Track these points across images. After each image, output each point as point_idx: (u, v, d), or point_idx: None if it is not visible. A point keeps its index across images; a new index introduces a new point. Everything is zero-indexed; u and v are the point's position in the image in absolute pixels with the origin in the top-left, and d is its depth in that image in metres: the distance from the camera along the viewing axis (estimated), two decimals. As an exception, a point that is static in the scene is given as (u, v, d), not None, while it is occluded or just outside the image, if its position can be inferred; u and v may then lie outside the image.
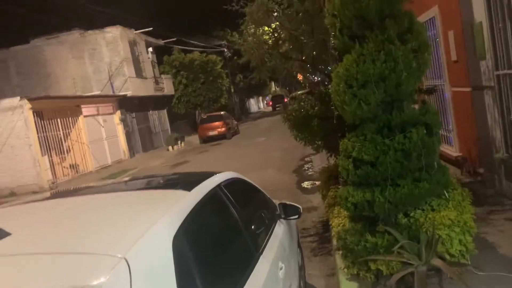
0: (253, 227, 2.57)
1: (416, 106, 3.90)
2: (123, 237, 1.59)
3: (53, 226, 1.89)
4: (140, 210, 1.98)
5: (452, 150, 7.29)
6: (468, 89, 6.28)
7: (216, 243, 2.12)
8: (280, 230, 3.16)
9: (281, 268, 2.68)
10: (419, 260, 3.32)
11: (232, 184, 2.69)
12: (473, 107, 6.19)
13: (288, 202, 3.36)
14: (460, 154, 6.92)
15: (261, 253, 2.48)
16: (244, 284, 2.00)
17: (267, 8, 5.46)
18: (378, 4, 3.52)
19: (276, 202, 3.42)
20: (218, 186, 2.45)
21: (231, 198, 2.49)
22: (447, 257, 3.46)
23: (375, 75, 3.53)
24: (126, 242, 1.52)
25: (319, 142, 5.82)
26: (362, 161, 3.66)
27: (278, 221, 3.27)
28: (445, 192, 3.78)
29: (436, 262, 3.29)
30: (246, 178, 3.20)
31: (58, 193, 3.13)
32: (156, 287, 1.45)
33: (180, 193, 2.14)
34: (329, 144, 5.67)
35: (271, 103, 50.82)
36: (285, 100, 32.33)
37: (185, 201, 2.00)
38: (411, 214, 3.73)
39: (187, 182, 2.54)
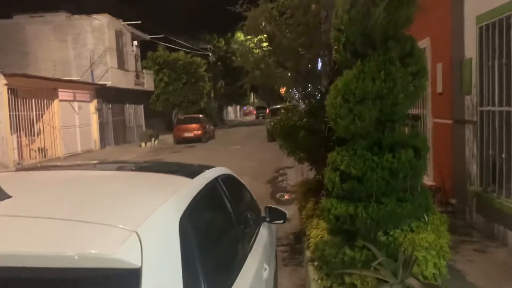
0: (243, 224, 2.57)
1: (406, 129, 4.00)
2: (133, 212, 1.56)
3: (61, 195, 1.84)
4: (148, 190, 1.96)
5: (426, 178, 7.48)
6: (449, 122, 6.49)
7: (214, 233, 2.11)
8: (264, 232, 3.17)
9: (265, 269, 2.68)
10: (395, 278, 3.37)
11: (227, 180, 2.69)
12: (453, 139, 6.40)
13: (274, 206, 3.37)
14: (434, 183, 7.11)
15: (250, 251, 2.48)
16: (237, 275, 2.00)
17: (269, 15, 5.51)
18: (384, 25, 3.61)
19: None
20: (216, 179, 2.44)
21: (226, 193, 2.48)
22: (421, 278, 3.53)
23: (373, 93, 3.61)
24: (137, 217, 1.49)
25: (303, 154, 5.87)
26: (349, 175, 3.71)
27: (262, 224, 3.27)
28: (425, 215, 3.87)
29: (411, 281, 3.35)
30: (238, 177, 3.20)
31: (61, 165, 3.05)
32: (163, 264, 1.43)
33: (183, 179, 2.12)
34: (313, 157, 5.72)
35: (255, 111, 56.20)
36: (267, 111, 32.97)
37: (190, 187, 1.98)
38: (391, 233, 3.80)
39: (188, 170, 2.53)
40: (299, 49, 5.64)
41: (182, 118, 26.15)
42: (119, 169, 2.71)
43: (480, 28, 5.36)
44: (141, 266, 1.30)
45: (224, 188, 2.47)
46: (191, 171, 2.37)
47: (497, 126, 5.05)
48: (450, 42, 6.33)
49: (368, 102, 3.63)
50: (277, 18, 5.54)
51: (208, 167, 2.59)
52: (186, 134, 24.49)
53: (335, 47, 3.99)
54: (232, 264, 2.09)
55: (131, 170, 2.74)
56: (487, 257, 4.69)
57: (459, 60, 6.00)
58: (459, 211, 6.09)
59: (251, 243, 2.63)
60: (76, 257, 1.28)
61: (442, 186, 6.78)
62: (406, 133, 3.90)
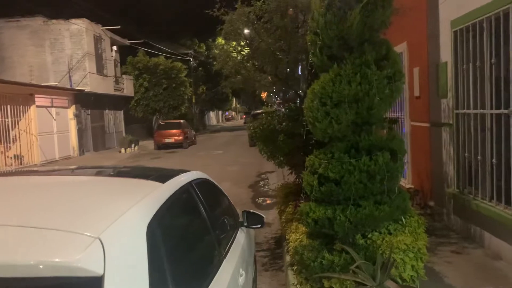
0: (218, 229, 2.52)
1: (384, 132, 4.02)
2: (98, 218, 1.50)
3: (24, 201, 1.76)
4: (115, 195, 1.89)
5: (405, 181, 7.56)
6: (427, 125, 6.57)
7: (186, 238, 2.06)
8: (241, 237, 3.12)
9: (241, 275, 2.63)
10: (374, 281, 3.36)
11: (202, 184, 2.64)
12: (430, 142, 6.47)
13: (251, 211, 3.33)
14: (413, 186, 7.18)
15: (225, 256, 2.43)
16: (210, 281, 1.95)
17: (247, 19, 5.50)
18: (360, 29, 3.62)
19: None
20: (190, 183, 2.39)
21: (201, 197, 2.43)
22: (399, 281, 3.53)
23: (349, 96, 3.61)
24: (101, 223, 1.43)
25: (282, 158, 5.85)
26: (327, 178, 3.70)
27: (240, 228, 3.22)
28: (403, 217, 3.88)
29: (390, 284, 3.34)
30: (214, 181, 3.15)
31: (28, 171, 2.94)
32: (129, 270, 1.38)
33: (154, 184, 2.06)
34: (292, 161, 5.71)
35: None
36: (247, 115, 33.34)
37: (159, 192, 1.92)
38: (369, 236, 3.80)
39: (160, 175, 2.46)
40: (278, 53, 5.63)
41: (163, 123, 25.93)
42: (89, 174, 2.62)
43: (455, 32, 5.44)
44: (104, 274, 1.25)
45: (198, 192, 2.42)
46: (163, 176, 2.31)
47: (473, 128, 5.13)
48: (426, 46, 6.41)
49: (345, 105, 3.64)
50: (255, 22, 5.53)
51: (182, 171, 2.53)
52: (167, 140, 24.28)
53: (312, 51, 3.98)
54: (205, 270, 2.04)
55: (101, 175, 2.66)
56: (464, 258, 4.74)
57: (435, 64, 6.09)
58: (437, 213, 6.15)
59: (227, 248, 2.58)
60: (36, 265, 1.22)
61: (421, 189, 6.85)
62: (383, 136, 3.91)
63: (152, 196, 1.82)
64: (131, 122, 30.27)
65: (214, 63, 6.72)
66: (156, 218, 1.65)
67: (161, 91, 31.28)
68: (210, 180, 3.02)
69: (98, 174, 2.67)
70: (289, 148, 5.56)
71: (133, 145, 24.05)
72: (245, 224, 3.21)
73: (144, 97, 31.09)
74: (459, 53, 5.39)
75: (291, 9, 5.26)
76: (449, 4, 5.62)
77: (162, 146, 24.33)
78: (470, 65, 5.13)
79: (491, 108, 4.67)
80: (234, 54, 6.39)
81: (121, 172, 2.87)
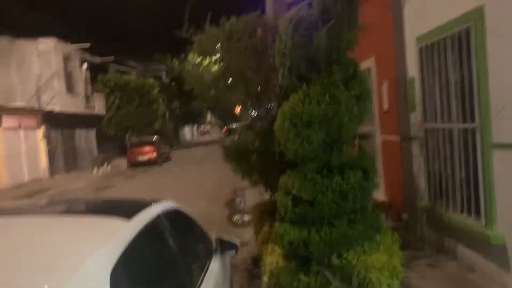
0: (191, 262, 2.45)
1: (355, 150, 4.04)
2: (57, 271, 1.42)
3: None
4: (76, 241, 1.78)
5: (378, 194, 7.62)
6: (397, 138, 6.67)
7: (155, 278, 1.97)
8: (215, 266, 3.05)
9: (215, 307, 2.56)
10: (350, 302, 3.34)
11: (172, 215, 2.56)
12: (401, 155, 6.56)
13: (225, 238, 3.27)
14: (386, 199, 7.25)
15: (200, 286, 2.36)
16: None
17: (217, 39, 5.48)
18: (326, 50, 3.66)
19: (214, 236, 3.32)
20: (159, 216, 2.31)
21: (170, 230, 2.36)
22: (375, 300, 3.52)
23: (319, 116, 3.63)
24: (60, 276, 1.35)
25: (257, 177, 5.81)
26: (300, 199, 3.69)
27: (214, 256, 3.16)
28: (377, 235, 3.89)
29: (366, 304, 3.33)
30: (185, 209, 3.08)
31: None
32: None
33: (118, 222, 1.98)
34: (267, 180, 5.68)
35: (224, 129, 62.03)
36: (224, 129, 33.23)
37: (124, 231, 1.84)
38: (344, 256, 3.78)
39: (126, 209, 2.37)
40: (248, 72, 5.62)
41: (136, 141, 25.60)
42: (48, 213, 2.49)
43: (421, 49, 5.57)
44: None
45: (168, 225, 2.35)
46: (129, 211, 2.22)
47: (441, 142, 5.23)
48: (394, 62, 6.54)
49: (315, 125, 3.65)
50: (224, 42, 5.52)
51: (150, 203, 2.45)
52: (140, 158, 23.95)
53: (281, 72, 3.99)
54: None
55: (63, 214, 2.54)
56: (439, 271, 4.79)
57: (403, 78, 6.21)
58: (411, 226, 6.22)
59: (200, 280, 2.51)
60: None
61: (394, 202, 6.92)
62: (354, 154, 3.94)
63: (116, 238, 1.74)
64: (104, 140, 29.71)
65: (187, 78, 6.66)
66: (120, 262, 1.58)
67: (133, 108, 30.93)
68: (181, 209, 2.94)
69: (58, 213, 2.54)
70: (263, 167, 5.53)
71: (105, 165, 23.59)
72: (219, 251, 3.15)
73: (116, 115, 30.66)
74: (426, 68, 5.51)
75: (259, 29, 5.27)
76: (414, 22, 5.77)
77: (135, 164, 23.96)
78: (437, 80, 5.25)
79: (458, 122, 4.78)
80: (205, 73, 6.36)
81: (84, 209, 2.75)
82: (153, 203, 2.48)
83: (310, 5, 3.68)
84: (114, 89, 30.74)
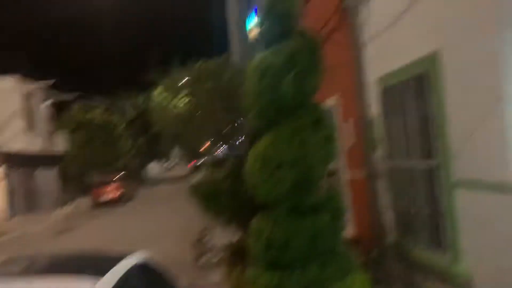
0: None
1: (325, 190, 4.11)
2: None
3: None
4: None
5: (348, 231, 7.68)
6: (363, 175, 6.81)
7: None
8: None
9: None
10: None
11: (143, 269, 2.49)
12: (368, 192, 6.69)
13: None
14: (356, 235, 7.31)
15: None
16: None
17: (184, 83, 5.55)
18: (294, 94, 3.77)
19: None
20: (130, 271, 2.24)
21: (141, 284, 2.29)
22: None
23: (289, 159, 3.69)
24: None
25: (227, 218, 5.76)
26: (272, 243, 3.68)
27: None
28: (349, 275, 3.90)
29: None
30: (155, 262, 2.99)
31: None
32: None
33: (90, 282, 1.90)
34: (238, 221, 5.63)
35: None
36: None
37: None
38: (317, 299, 3.76)
39: (97, 265, 2.29)
40: (218, 112, 5.69)
41: (100, 179, 24.95)
42: (8, 276, 2.33)
43: (382, 89, 5.81)
44: None
45: (139, 280, 2.28)
46: (99, 266, 2.14)
47: (405, 179, 5.38)
48: (357, 100, 6.75)
49: (286, 167, 3.71)
50: (193, 83, 5.60)
51: (122, 257, 2.38)
52: (104, 197, 23.32)
53: (250, 116, 4.07)
54: None
55: (25, 275, 2.38)
56: (409, 308, 4.82)
57: (366, 117, 6.41)
58: (380, 263, 6.26)
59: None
60: None
61: (363, 238, 6.97)
62: (324, 194, 4.00)
63: None
64: (66, 179, 28.76)
65: (153, 114, 6.64)
66: None
67: (98, 146, 30.28)
68: (151, 263, 2.86)
69: (19, 275, 2.39)
70: (234, 207, 5.50)
71: (68, 205, 22.77)
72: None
73: (80, 153, 29.87)
74: (387, 108, 5.73)
75: (228, 71, 5.39)
76: (376, 63, 6.02)
77: (99, 204, 23.24)
78: (399, 119, 5.46)
79: (420, 160, 4.95)
80: (172, 111, 6.37)
81: (49, 268, 2.60)
82: (123, 257, 2.39)
83: (277, 51, 3.80)
84: (78, 126, 30.10)
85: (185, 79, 5.92)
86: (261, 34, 4.04)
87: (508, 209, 3.61)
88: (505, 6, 3.53)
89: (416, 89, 4.97)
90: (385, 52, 5.71)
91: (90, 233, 14.76)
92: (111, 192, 23.47)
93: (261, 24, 4.04)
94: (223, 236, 10.21)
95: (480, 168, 3.95)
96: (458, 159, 4.28)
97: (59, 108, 29.01)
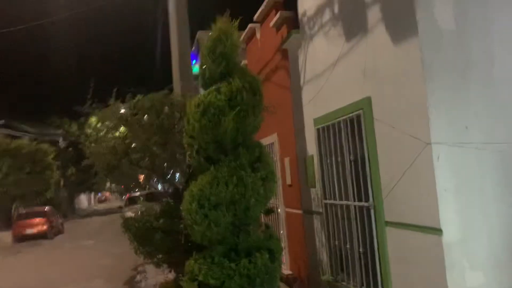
0: None
1: (261, 229, 4.10)
2: None
3: None
4: None
5: (283, 268, 7.69)
6: (300, 212, 6.91)
7: None
8: None
9: None
10: None
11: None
12: (304, 229, 6.78)
13: None
14: (291, 272, 7.32)
15: None
16: None
17: (121, 116, 5.40)
18: (233, 133, 3.79)
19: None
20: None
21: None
22: None
23: (226, 198, 3.67)
24: None
25: (161, 257, 5.56)
26: (207, 285, 3.58)
27: None
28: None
29: None
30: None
31: None
32: None
33: None
34: (172, 260, 5.45)
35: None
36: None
37: None
38: None
39: None
40: (154, 148, 5.56)
41: (24, 212, 23.24)
42: None
43: (318, 130, 6.00)
44: None
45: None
46: None
47: (340, 218, 5.52)
48: (295, 139, 6.94)
49: (223, 207, 3.68)
50: (128, 118, 5.45)
51: None
52: (28, 231, 21.59)
53: (189, 153, 4.02)
54: None
55: None
56: None
57: (303, 156, 6.58)
58: (315, 300, 6.29)
59: None
60: None
61: (299, 275, 7.01)
62: (261, 234, 3.99)
63: None
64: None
65: (86, 144, 6.34)
66: None
67: (23, 176, 28.28)
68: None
69: None
70: (168, 247, 5.33)
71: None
72: None
73: (3, 184, 27.72)
74: (323, 148, 5.91)
75: (166, 107, 5.33)
76: (311, 105, 6.24)
77: (22, 238, 21.49)
78: (333, 159, 5.64)
79: (354, 200, 5.12)
80: (106, 143, 6.14)
81: None
82: None
83: (218, 90, 3.83)
84: (3, 155, 28.04)
85: (122, 111, 5.76)
86: (202, 73, 4.07)
87: (431, 250, 3.79)
88: (426, 60, 3.83)
89: (350, 131, 5.19)
90: (321, 95, 5.94)
91: (9, 271, 13.51)
92: (36, 225, 21.81)
93: (202, 63, 4.07)
94: (157, 273, 9.83)
95: (408, 212, 4.14)
96: (388, 202, 4.47)
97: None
